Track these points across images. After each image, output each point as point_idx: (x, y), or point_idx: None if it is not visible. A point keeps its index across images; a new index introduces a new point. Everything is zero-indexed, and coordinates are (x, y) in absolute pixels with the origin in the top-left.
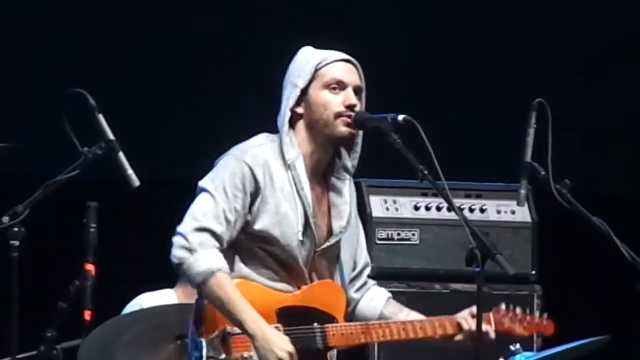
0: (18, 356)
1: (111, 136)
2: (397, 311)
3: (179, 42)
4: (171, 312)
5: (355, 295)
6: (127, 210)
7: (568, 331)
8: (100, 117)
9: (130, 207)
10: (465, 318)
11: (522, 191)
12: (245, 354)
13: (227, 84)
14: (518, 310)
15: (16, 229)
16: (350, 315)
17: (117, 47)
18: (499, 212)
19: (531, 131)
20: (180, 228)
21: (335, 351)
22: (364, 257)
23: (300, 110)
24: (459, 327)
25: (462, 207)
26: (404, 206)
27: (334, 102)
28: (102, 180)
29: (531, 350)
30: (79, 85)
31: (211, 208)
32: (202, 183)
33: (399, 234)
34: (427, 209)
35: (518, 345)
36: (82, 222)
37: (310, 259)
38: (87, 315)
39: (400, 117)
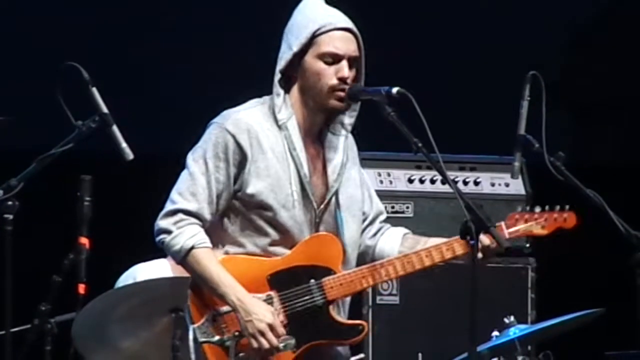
0: (12, 330)
1: (105, 109)
2: (414, 244)
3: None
4: (165, 285)
5: (370, 242)
6: (121, 184)
7: (562, 303)
8: (94, 90)
9: (124, 181)
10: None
11: (516, 164)
12: (237, 332)
13: (224, 57)
14: (537, 209)
15: (10, 202)
16: (370, 262)
17: (116, 20)
18: (493, 184)
19: (525, 104)
20: (161, 212)
21: (345, 304)
22: (374, 206)
23: (295, 74)
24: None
25: (456, 179)
26: (398, 179)
27: (328, 74)
28: (96, 154)
29: (525, 322)
30: (74, 57)
31: (188, 186)
32: (188, 157)
33: (393, 207)
34: (421, 181)
35: (512, 318)
36: (77, 196)
37: (316, 219)
38: (82, 288)
39: (395, 89)
